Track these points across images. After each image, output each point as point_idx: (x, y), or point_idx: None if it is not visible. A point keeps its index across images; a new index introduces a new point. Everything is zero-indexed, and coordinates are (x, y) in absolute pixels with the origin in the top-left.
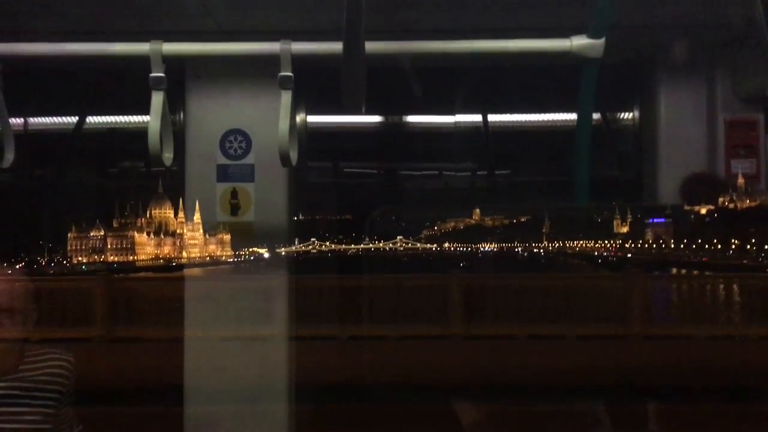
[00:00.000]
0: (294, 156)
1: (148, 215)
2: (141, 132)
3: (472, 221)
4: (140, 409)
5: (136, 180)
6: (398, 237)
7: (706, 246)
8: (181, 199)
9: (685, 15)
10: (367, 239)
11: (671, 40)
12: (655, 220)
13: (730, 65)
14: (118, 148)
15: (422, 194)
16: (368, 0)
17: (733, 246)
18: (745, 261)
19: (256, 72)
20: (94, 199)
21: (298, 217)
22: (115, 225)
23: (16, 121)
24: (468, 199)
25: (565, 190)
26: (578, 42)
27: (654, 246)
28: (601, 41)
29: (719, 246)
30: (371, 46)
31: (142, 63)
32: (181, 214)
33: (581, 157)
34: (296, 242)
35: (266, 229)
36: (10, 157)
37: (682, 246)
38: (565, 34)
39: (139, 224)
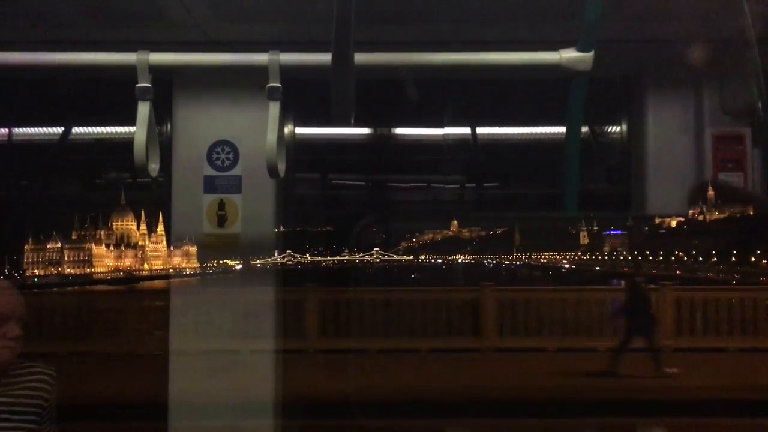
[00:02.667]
0: (282, 167)
1: (108, 227)
2: (127, 143)
3: (450, 233)
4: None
5: (122, 191)
6: (374, 249)
7: (650, 258)
8: (143, 211)
9: (673, 30)
10: (347, 251)
11: (659, 54)
12: (612, 232)
13: (718, 80)
14: (104, 159)
15: (410, 206)
16: (358, 12)
17: (673, 258)
18: (658, 271)
19: (245, 83)
20: (79, 211)
21: (279, 229)
22: (73, 237)
23: (1, 131)
24: (455, 212)
25: (553, 203)
26: (567, 55)
27: (607, 257)
28: (590, 55)
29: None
30: (360, 57)
31: (128, 73)
32: (143, 227)
33: (570, 170)
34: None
35: (253, 241)
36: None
37: (630, 258)
38: (555, 47)
39: (98, 236)
